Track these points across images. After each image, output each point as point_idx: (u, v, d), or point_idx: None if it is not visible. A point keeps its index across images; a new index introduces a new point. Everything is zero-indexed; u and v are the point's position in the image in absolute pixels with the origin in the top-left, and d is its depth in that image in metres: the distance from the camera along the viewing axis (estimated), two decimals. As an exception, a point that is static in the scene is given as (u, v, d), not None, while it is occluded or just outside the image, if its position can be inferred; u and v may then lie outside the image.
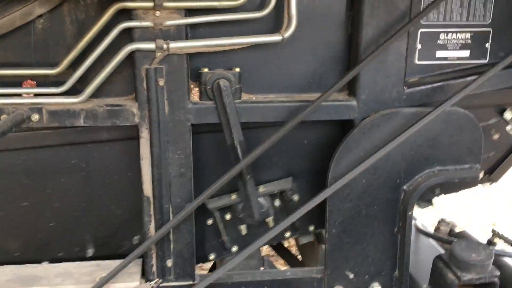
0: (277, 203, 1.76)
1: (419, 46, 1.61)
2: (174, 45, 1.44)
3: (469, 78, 1.59)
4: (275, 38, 1.49)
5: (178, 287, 1.66)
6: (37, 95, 1.47)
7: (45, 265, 1.73)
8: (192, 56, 1.52)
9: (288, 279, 1.72)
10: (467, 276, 1.59)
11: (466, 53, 1.64)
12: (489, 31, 1.63)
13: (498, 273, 1.61)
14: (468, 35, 1.62)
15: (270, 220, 1.76)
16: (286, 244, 3.02)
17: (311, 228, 1.82)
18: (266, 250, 3.31)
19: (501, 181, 5.21)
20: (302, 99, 1.60)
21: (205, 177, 1.68)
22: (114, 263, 1.64)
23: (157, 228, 1.61)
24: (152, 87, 1.48)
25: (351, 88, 1.61)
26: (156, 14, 1.42)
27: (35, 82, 1.49)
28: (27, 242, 1.73)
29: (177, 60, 1.48)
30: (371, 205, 1.64)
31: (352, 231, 1.66)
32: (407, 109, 1.58)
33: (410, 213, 1.63)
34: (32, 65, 1.47)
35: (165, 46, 1.43)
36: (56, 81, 1.48)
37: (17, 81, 1.48)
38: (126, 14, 1.44)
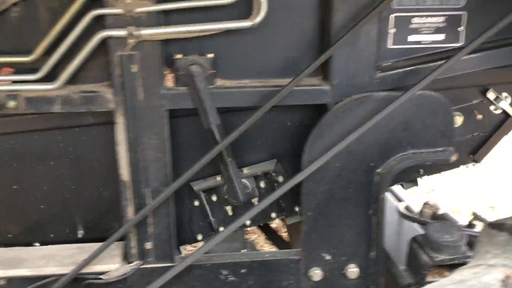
0: (262, 184, 1.80)
1: (392, 30, 1.62)
2: (146, 31, 1.47)
3: (440, 62, 1.59)
4: (246, 24, 1.50)
5: (157, 269, 1.71)
6: (13, 82, 1.50)
7: (29, 248, 1.78)
8: (166, 43, 1.55)
9: (266, 261, 1.76)
10: (440, 257, 1.61)
11: (440, 36, 1.64)
12: (463, 14, 1.63)
13: (471, 254, 1.63)
14: (442, 19, 1.63)
15: (255, 201, 1.79)
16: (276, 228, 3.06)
17: (297, 208, 1.85)
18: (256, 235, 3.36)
19: (504, 165, 5.18)
20: (276, 84, 1.62)
21: (187, 160, 1.71)
22: (96, 246, 1.69)
23: (136, 211, 1.65)
24: (126, 73, 1.51)
25: (324, 73, 1.62)
26: (127, 1, 1.44)
27: (13, 70, 1.53)
28: (18, 224, 1.78)
29: (150, 46, 1.50)
30: (345, 188, 1.66)
31: (328, 213, 1.68)
32: (379, 93, 1.59)
33: (383, 195, 1.65)
34: (8, 53, 1.50)
35: (136, 33, 1.45)
36: (32, 68, 1.51)
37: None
38: (99, 1, 1.47)
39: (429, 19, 1.62)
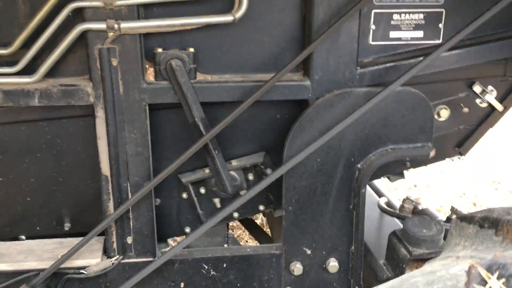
0: (251, 177, 1.80)
1: (372, 26, 1.63)
2: (126, 25, 1.46)
3: (420, 59, 1.61)
4: (227, 18, 1.50)
5: (138, 263, 1.70)
6: (-10, 75, 1.48)
7: (8, 242, 1.77)
8: (146, 36, 1.54)
9: (248, 255, 1.76)
10: (418, 251, 1.63)
11: (419, 33, 1.66)
12: (442, 12, 1.64)
13: (448, 248, 1.66)
14: (422, 16, 1.64)
15: (243, 193, 1.79)
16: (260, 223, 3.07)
17: None
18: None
19: (485, 163, 5.24)
20: (257, 79, 1.62)
21: (170, 154, 1.71)
22: (77, 241, 1.68)
23: (116, 206, 1.64)
24: (106, 67, 1.50)
25: (305, 69, 1.63)
26: (106, -7, 1.43)
27: (-10, 63, 1.51)
28: (4, 217, 1.76)
29: (130, 40, 1.49)
30: (326, 183, 1.67)
31: (308, 208, 1.70)
32: (359, 89, 1.60)
33: (363, 190, 1.67)
34: None
35: (116, 26, 1.44)
36: (11, 60, 1.50)
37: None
38: (79, -6, 1.45)
39: (410, 16, 1.64)
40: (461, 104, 1.85)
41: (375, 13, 1.62)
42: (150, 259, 1.71)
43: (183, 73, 1.52)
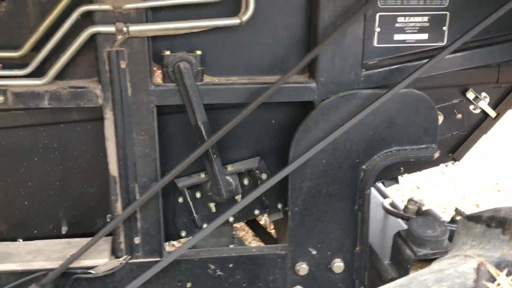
0: (246, 182, 1.82)
1: (377, 29, 1.65)
2: (134, 28, 1.48)
3: (424, 61, 1.63)
4: (234, 21, 1.52)
5: (146, 263, 1.72)
6: (1, 77, 1.50)
7: (18, 243, 1.79)
8: (154, 39, 1.56)
9: (253, 256, 1.78)
10: (422, 252, 1.65)
11: (424, 36, 1.67)
12: (446, 14, 1.66)
13: (453, 248, 1.67)
14: (426, 18, 1.66)
15: (239, 198, 1.81)
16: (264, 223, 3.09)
17: (280, 205, 1.88)
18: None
19: (487, 164, 5.26)
20: (263, 81, 1.64)
21: (174, 157, 1.73)
22: (85, 241, 1.70)
23: (124, 207, 1.67)
24: (115, 69, 1.52)
25: (311, 71, 1.65)
26: (115, -4, 1.45)
27: (1, 65, 1.53)
28: (2, 220, 1.78)
29: (138, 43, 1.51)
30: (331, 184, 1.69)
31: (314, 209, 1.71)
32: (364, 91, 1.62)
33: (368, 191, 1.69)
34: None
35: (125, 29, 1.46)
36: (21, 63, 1.52)
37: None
38: (88, -3, 1.48)
39: (414, 19, 1.66)
40: (455, 110, 1.87)
41: (380, 15, 1.64)
42: (157, 259, 1.73)
43: (190, 76, 1.54)
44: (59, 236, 1.79)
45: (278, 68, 1.66)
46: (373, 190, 2.58)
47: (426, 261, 1.68)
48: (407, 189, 4.82)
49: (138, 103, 1.57)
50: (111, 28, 1.46)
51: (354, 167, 1.68)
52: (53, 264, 1.68)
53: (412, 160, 1.68)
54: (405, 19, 1.65)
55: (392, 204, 2.40)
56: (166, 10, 1.55)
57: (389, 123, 1.65)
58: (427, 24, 1.67)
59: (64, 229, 1.78)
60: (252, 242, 3.55)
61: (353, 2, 1.56)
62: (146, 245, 1.73)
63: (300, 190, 1.69)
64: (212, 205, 1.81)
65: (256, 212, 1.87)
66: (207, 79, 1.63)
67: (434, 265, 0.74)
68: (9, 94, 1.51)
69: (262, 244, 2.57)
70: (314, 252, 1.76)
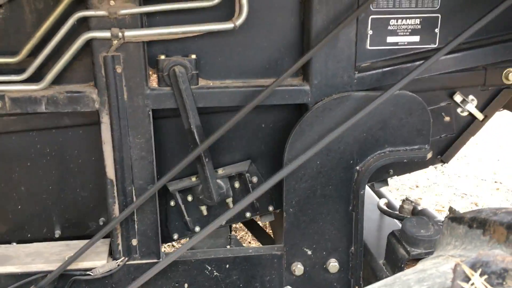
0: (237, 185, 1.84)
1: (370, 32, 1.67)
2: (129, 33, 1.50)
3: (418, 63, 1.65)
4: (227, 26, 1.54)
5: (143, 265, 1.74)
6: (-1, 82, 1.53)
7: (17, 245, 1.81)
8: (149, 44, 1.58)
9: (250, 256, 1.80)
10: (416, 251, 1.67)
11: (416, 38, 1.69)
12: (438, 17, 1.68)
13: (446, 247, 1.69)
14: (418, 21, 1.68)
15: (229, 201, 1.83)
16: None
17: (271, 208, 1.90)
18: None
19: (487, 162, 5.27)
20: (257, 84, 1.66)
21: (168, 160, 1.75)
22: (83, 243, 1.72)
23: (121, 209, 1.69)
24: (110, 74, 1.54)
25: (305, 73, 1.67)
26: (111, 3, 1.47)
27: (-2, 71, 1.55)
28: (1, 223, 1.81)
29: (134, 47, 1.53)
30: (326, 185, 1.71)
31: (308, 210, 1.73)
32: (357, 93, 1.64)
33: (362, 192, 1.71)
34: None
35: (120, 34, 1.48)
36: (18, 68, 1.54)
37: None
38: (84, 3, 1.50)
39: (406, 21, 1.68)
40: (443, 113, 1.89)
41: (372, 18, 1.66)
42: (155, 260, 1.75)
43: (184, 80, 1.56)
44: (53, 239, 1.81)
45: (272, 71, 1.68)
46: (368, 190, 2.61)
47: (420, 260, 1.70)
48: (406, 188, 4.84)
49: (134, 107, 1.59)
50: (106, 34, 1.49)
51: (348, 168, 1.70)
52: (52, 266, 1.70)
53: (405, 160, 1.69)
54: (397, 22, 1.67)
55: (389, 204, 2.42)
56: (161, 14, 1.57)
57: (383, 124, 1.67)
58: (419, 26, 1.69)
59: (57, 233, 1.80)
60: (252, 242, 3.58)
61: (345, 5, 1.58)
62: (143, 246, 1.75)
63: (295, 191, 1.71)
64: (203, 208, 1.84)
65: (248, 214, 1.89)
66: (202, 82, 1.65)
67: (419, 265, 0.76)
68: (7, 99, 1.53)
69: (260, 245, 2.60)
70: (309, 253, 1.78)
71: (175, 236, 1.86)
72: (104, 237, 1.72)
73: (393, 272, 1.74)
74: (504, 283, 0.58)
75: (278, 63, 1.67)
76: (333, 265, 1.78)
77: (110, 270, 1.74)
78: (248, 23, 1.58)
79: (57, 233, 1.80)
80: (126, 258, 1.76)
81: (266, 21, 1.63)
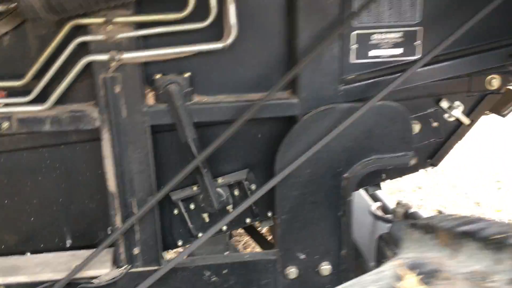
0: (236, 192, 1.93)
1: (354, 46, 1.76)
2: (127, 55, 1.60)
3: (398, 75, 1.74)
4: (218, 45, 1.64)
5: (145, 272, 1.84)
6: (6, 104, 1.64)
7: (26, 256, 1.92)
8: (145, 64, 1.68)
9: (246, 261, 1.90)
10: (403, 254, 1.75)
11: (398, 51, 1.79)
12: (418, 30, 1.78)
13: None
14: (399, 34, 1.77)
15: (230, 208, 1.93)
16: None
17: (269, 213, 1.99)
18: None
19: (488, 163, 5.32)
20: (249, 99, 1.76)
21: (169, 171, 1.85)
22: (88, 253, 1.83)
23: (123, 220, 1.79)
24: (110, 94, 1.65)
25: (293, 87, 1.77)
26: (109, 28, 1.58)
27: (5, 93, 1.66)
28: (11, 236, 1.91)
29: (131, 68, 1.64)
30: (316, 192, 1.80)
31: (300, 216, 1.83)
32: (342, 104, 1.74)
33: (351, 198, 1.80)
34: (0, 78, 1.64)
35: (117, 57, 1.59)
36: (24, 90, 1.65)
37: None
38: (83, 28, 1.61)
39: (388, 35, 1.77)
40: (431, 119, 1.98)
41: (355, 34, 1.75)
42: (156, 267, 1.85)
43: (179, 97, 1.66)
44: (64, 248, 1.92)
45: (262, 86, 1.77)
46: (364, 195, 2.70)
47: (408, 262, 1.78)
48: (409, 190, 4.92)
49: (132, 123, 1.69)
50: (105, 57, 1.59)
51: (336, 175, 1.79)
52: (59, 275, 1.80)
53: (390, 167, 1.78)
54: (379, 36, 1.77)
55: (384, 208, 2.51)
56: (155, 36, 1.67)
57: (368, 133, 1.76)
58: (401, 40, 1.78)
59: (68, 242, 1.91)
60: (256, 247, 3.67)
61: (329, 23, 1.68)
62: (145, 255, 1.85)
63: (287, 199, 1.80)
64: (205, 215, 1.93)
65: (247, 220, 1.98)
66: (197, 98, 1.75)
67: (380, 268, 0.85)
68: (14, 120, 1.64)
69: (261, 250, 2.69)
70: (302, 257, 1.87)
71: (180, 243, 1.95)
72: (108, 247, 1.83)
73: (383, 274, 1.83)
74: (434, 281, 0.67)
75: (267, 78, 1.77)
76: (325, 268, 1.87)
77: (114, 278, 1.84)
78: (238, 42, 1.68)
79: (68, 242, 1.91)
80: (129, 266, 1.85)
81: (255, 39, 1.73)
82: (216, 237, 2.10)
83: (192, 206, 1.92)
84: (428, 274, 0.68)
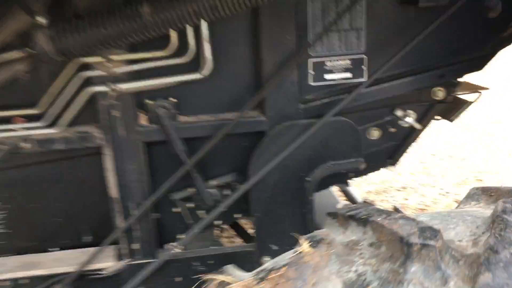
0: (227, 192, 2.26)
1: (311, 71, 2.13)
2: (123, 86, 1.97)
3: (347, 95, 2.10)
4: (197, 76, 2.01)
5: (144, 264, 2.20)
6: (28, 128, 2.00)
7: (43, 254, 2.28)
8: (138, 92, 2.05)
9: (228, 253, 2.25)
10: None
11: (348, 74, 2.15)
12: (364, 58, 2.14)
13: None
14: (348, 61, 2.14)
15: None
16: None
17: None
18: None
19: (470, 162, 5.62)
20: (225, 118, 2.12)
21: (165, 176, 2.20)
22: (95, 250, 2.19)
23: (124, 220, 2.15)
24: (110, 117, 2.01)
25: (261, 107, 2.13)
26: (108, 65, 1.94)
27: (24, 120, 2.03)
28: (34, 235, 2.27)
29: (127, 96, 2.00)
30: (283, 194, 2.16)
31: (272, 213, 2.18)
32: (302, 120, 2.10)
33: (312, 198, 2.16)
34: (20, 106, 2.00)
35: (116, 88, 1.95)
36: (39, 115, 2.02)
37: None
38: (87, 65, 1.97)
39: (339, 62, 2.14)
40: (388, 126, 2.35)
41: (312, 61, 2.12)
42: (153, 260, 2.21)
43: (166, 119, 2.03)
44: (80, 245, 2.27)
45: (236, 107, 2.14)
46: (336, 194, 3.06)
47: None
48: (394, 190, 5.27)
49: (129, 141, 2.05)
50: (105, 88, 1.96)
51: (300, 179, 2.15)
52: (71, 268, 2.17)
53: (343, 171, 2.15)
54: (332, 63, 2.13)
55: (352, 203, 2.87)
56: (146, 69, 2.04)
57: (324, 143, 2.12)
58: (350, 65, 2.15)
59: (85, 239, 2.26)
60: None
61: (288, 52, 2.05)
62: (143, 249, 2.21)
63: (259, 199, 2.16)
64: (202, 212, 2.28)
65: (236, 215, 2.33)
66: (181, 118, 2.12)
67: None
68: (32, 141, 2.01)
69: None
70: (275, 247, 2.23)
71: (179, 237, 2.28)
72: (111, 244, 2.19)
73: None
74: (319, 245, 1.02)
75: (240, 100, 2.13)
76: (294, 257, 2.23)
77: (118, 270, 2.21)
78: (214, 72, 2.04)
79: (85, 239, 2.26)
80: (130, 260, 2.22)
81: (228, 69, 2.09)
82: (203, 234, 2.45)
83: (190, 205, 2.25)
84: (315, 242, 1.04)
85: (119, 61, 1.96)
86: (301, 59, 2.07)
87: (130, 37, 1.74)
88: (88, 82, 1.98)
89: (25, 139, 2.00)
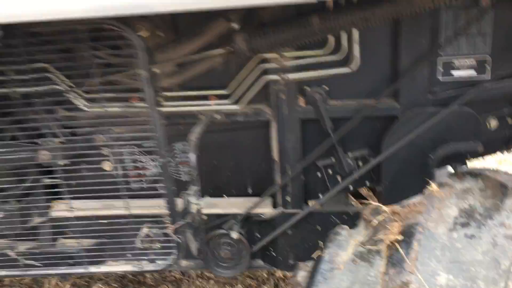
0: (360, 163, 2.78)
1: (440, 68, 2.58)
2: (290, 76, 2.62)
3: (471, 90, 2.53)
4: (346, 70, 2.58)
5: (293, 213, 2.85)
6: (219, 104, 2.74)
7: (220, 198, 2.98)
8: (301, 80, 2.68)
9: (357, 212, 2.81)
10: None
11: (473, 72, 2.55)
12: (488, 58, 2.53)
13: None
14: (474, 61, 2.55)
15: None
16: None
17: None
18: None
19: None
20: (365, 103, 2.67)
21: (313, 147, 2.78)
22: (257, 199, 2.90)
23: (281, 178, 2.83)
24: (278, 99, 2.67)
25: (396, 96, 2.63)
26: (279, 59, 2.60)
27: (216, 96, 2.78)
28: (211, 184, 2.99)
29: (291, 83, 2.64)
30: (409, 167, 2.63)
31: (398, 183, 2.67)
32: (430, 108, 2.58)
33: (434, 172, 2.63)
34: (214, 88, 2.72)
35: (285, 77, 2.61)
36: (228, 95, 2.75)
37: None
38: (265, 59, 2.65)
39: (465, 61, 2.56)
40: (506, 117, 2.71)
41: (441, 60, 2.57)
42: (300, 210, 2.86)
43: (321, 102, 2.64)
44: (246, 195, 2.99)
45: (374, 94, 2.66)
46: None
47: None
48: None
49: (290, 117, 2.69)
50: (277, 77, 2.62)
51: (424, 156, 2.60)
52: (241, 211, 2.89)
53: (463, 152, 2.58)
54: (459, 61, 2.56)
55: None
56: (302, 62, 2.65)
57: (448, 128, 2.54)
58: (475, 64, 2.56)
59: (249, 190, 2.99)
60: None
61: (421, 53, 2.52)
62: (293, 202, 2.85)
63: (389, 171, 2.66)
64: (338, 177, 2.83)
65: (367, 183, 2.85)
66: (331, 102, 2.71)
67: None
68: (223, 114, 2.75)
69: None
70: None
71: (321, 195, 2.87)
72: (270, 196, 2.88)
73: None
74: (445, 187, 1.57)
75: (378, 89, 2.64)
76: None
77: (274, 215, 2.89)
78: (360, 66, 2.60)
79: (249, 190, 2.98)
80: (283, 208, 2.89)
81: (371, 64, 2.60)
82: (339, 195, 3.03)
83: (330, 171, 2.81)
84: (441, 184, 1.61)
85: (288, 57, 2.60)
86: (432, 57, 2.54)
87: (301, 40, 2.37)
88: (265, 72, 2.66)
89: (217, 112, 2.75)
